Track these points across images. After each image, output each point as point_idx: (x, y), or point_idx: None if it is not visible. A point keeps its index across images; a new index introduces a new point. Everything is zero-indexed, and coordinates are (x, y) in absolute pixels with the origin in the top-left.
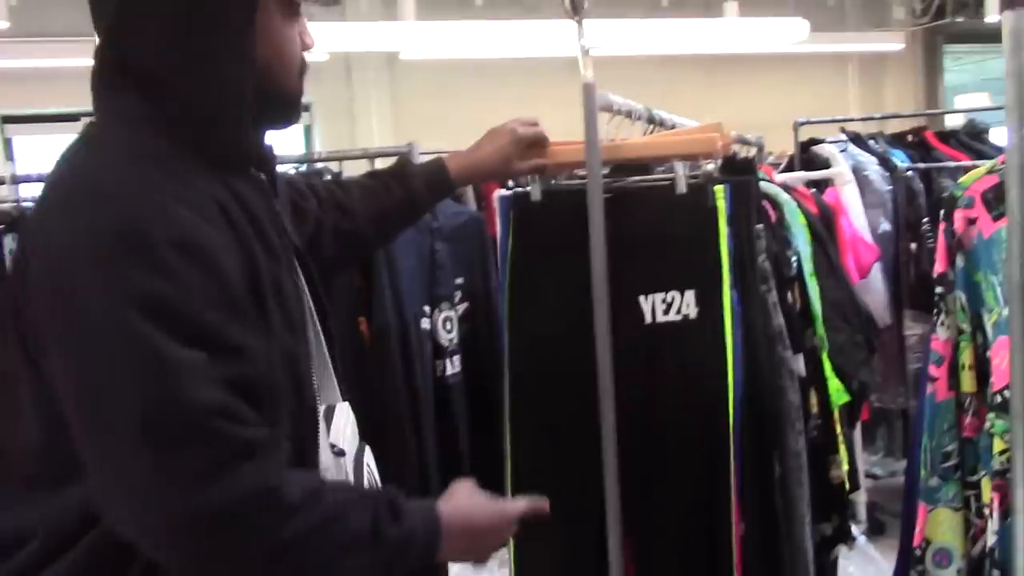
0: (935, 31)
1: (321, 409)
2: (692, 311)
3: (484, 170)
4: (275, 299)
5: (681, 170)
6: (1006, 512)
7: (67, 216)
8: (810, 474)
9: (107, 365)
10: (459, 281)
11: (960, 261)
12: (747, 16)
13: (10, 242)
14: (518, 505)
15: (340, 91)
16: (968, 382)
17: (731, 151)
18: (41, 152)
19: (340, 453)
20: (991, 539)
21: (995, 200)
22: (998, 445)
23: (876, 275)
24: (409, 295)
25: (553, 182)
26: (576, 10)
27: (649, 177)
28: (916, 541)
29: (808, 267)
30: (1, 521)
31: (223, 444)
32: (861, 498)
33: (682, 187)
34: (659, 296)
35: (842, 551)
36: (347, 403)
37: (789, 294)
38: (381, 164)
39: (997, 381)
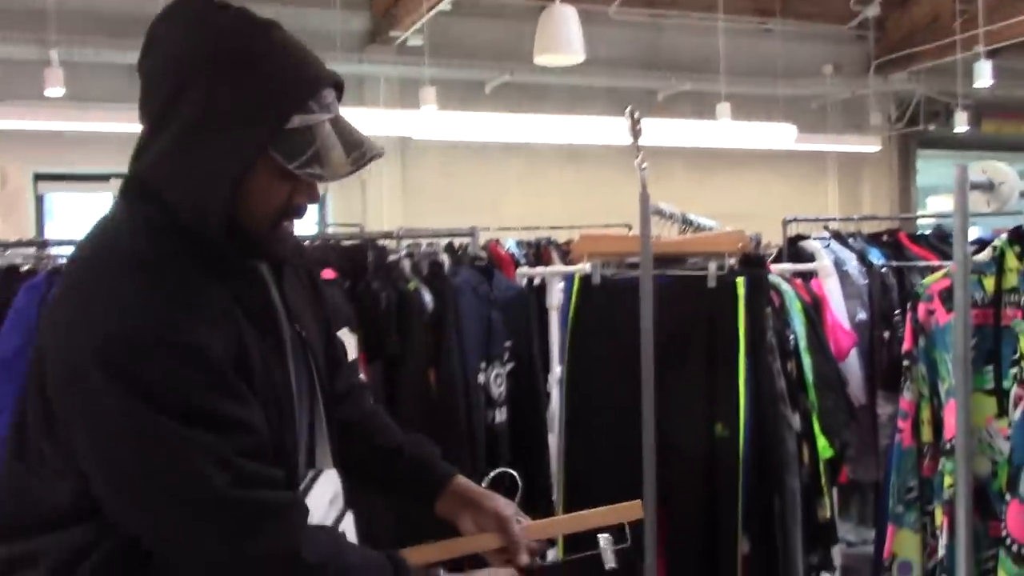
0: (909, 137)
1: (309, 474)
2: None
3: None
4: (262, 376)
5: (713, 268)
6: (952, 532)
7: (79, 323)
8: (801, 513)
9: (126, 452)
10: (508, 344)
11: (922, 342)
12: (738, 118)
13: None
14: None
15: None
16: (927, 433)
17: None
18: (72, 208)
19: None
20: (941, 552)
21: (949, 297)
22: (947, 481)
23: (853, 358)
24: (469, 353)
25: (606, 271)
26: (636, 136)
27: (687, 271)
28: (885, 555)
29: (803, 344)
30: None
31: (243, 510)
32: (836, 551)
33: (712, 281)
34: None
35: None
36: (334, 470)
37: (788, 364)
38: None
39: (947, 433)
